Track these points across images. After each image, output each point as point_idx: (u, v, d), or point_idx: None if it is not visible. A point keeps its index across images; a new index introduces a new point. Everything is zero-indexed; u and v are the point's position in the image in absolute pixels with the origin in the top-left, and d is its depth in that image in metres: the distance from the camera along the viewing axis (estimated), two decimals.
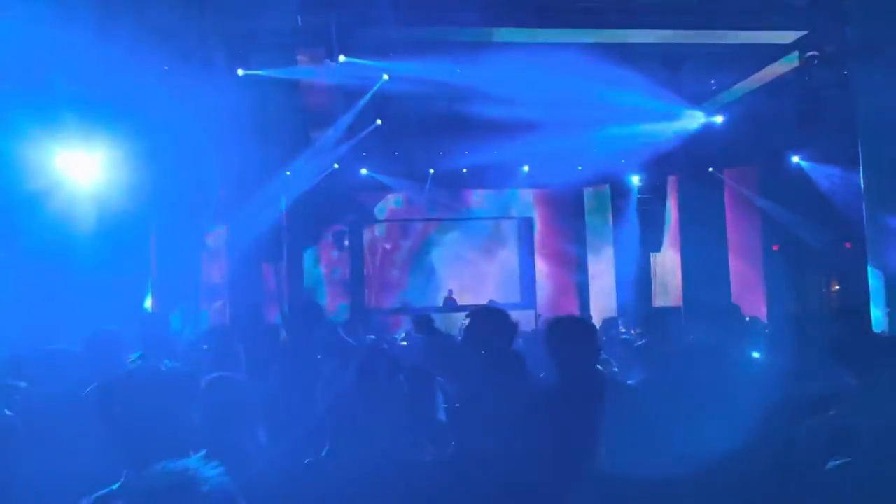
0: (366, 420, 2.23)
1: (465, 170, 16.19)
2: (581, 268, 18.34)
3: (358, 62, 9.69)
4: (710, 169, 16.36)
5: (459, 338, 4.77)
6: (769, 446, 2.59)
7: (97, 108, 9.52)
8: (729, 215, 17.46)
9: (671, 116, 13.31)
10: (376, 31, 9.21)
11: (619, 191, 17.97)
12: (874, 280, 10.31)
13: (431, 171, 16.51)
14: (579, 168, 16.15)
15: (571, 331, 3.41)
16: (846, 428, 2.33)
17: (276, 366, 4.16)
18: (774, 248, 17.43)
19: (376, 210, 18.25)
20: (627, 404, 3.22)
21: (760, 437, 2.54)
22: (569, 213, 18.53)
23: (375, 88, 11.08)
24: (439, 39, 9.99)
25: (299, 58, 9.70)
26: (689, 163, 15.61)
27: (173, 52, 9.84)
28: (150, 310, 8.57)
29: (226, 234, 14.14)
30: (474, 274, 18.17)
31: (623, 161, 16.20)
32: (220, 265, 14.25)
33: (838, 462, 2.00)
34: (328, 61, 8.93)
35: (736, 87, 12.00)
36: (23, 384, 3.63)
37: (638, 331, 11.77)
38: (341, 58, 8.85)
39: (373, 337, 8.35)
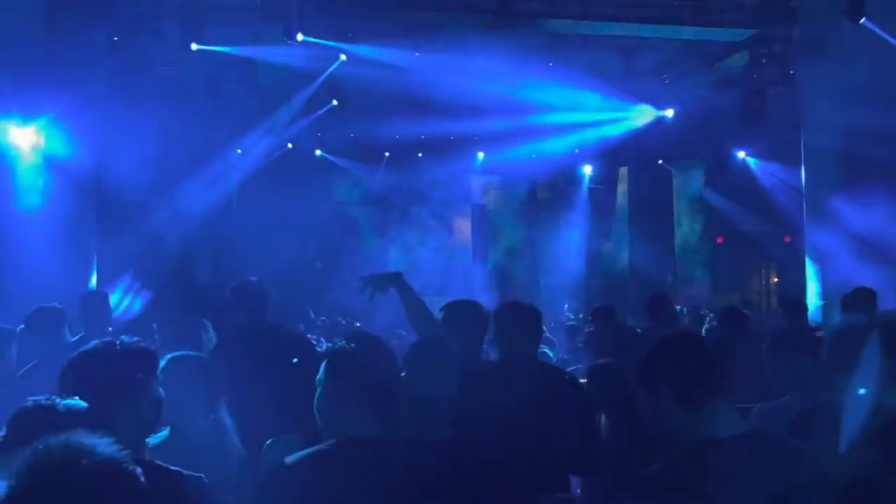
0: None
1: (420, 154, 16.17)
2: (533, 256, 18.54)
3: (316, 41, 9.57)
4: (660, 161, 16.71)
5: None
6: None
7: (39, 78, 9.22)
8: (675, 206, 17.91)
9: (623, 110, 13.54)
10: (336, 11, 9.14)
11: (570, 180, 18.21)
12: (811, 273, 10.74)
13: (386, 154, 16.44)
14: (533, 156, 16.30)
15: (514, 316, 3.42)
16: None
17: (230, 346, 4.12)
18: (718, 240, 17.96)
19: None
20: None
21: None
22: (522, 200, 18.69)
23: (332, 69, 10.96)
24: (398, 24, 9.97)
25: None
26: (639, 155, 15.92)
27: (123, 23, 9.56)
28: (92, 288, 8.36)
29: (173, 210, 13.87)
30: (427, 261, 18.19)
31: (576, 150, 16.41)
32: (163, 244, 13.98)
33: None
34: (286, 39, 8.80)
35: (686, 82, 12.26)
36: None
37: (583, 317, 12.04)
38: (299, 36, 8.73)
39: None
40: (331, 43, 9.79)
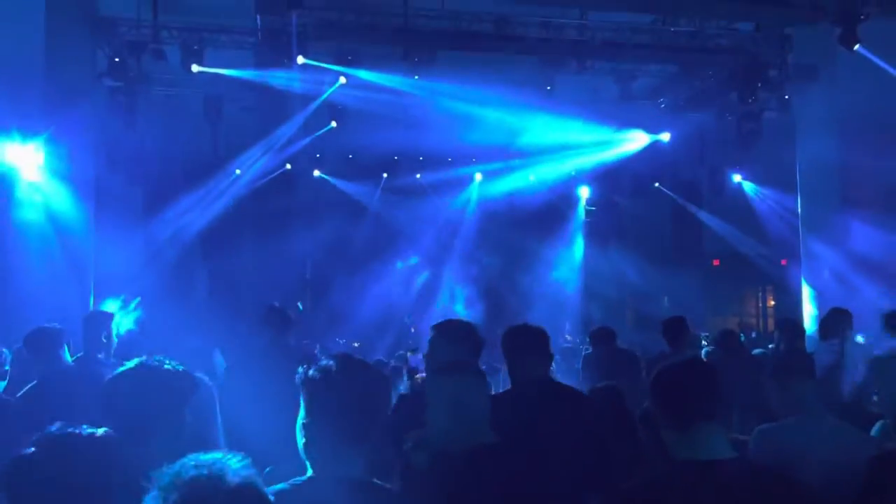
0: None
1: (418, 175, 16.24)
2: (529, 277, 18.54)
3: (316, 64, 9.68)
4: (657, 184, 16.79)
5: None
6: None
7: (39, 97, 9.30)
8: (673, 229, 17.98)
9: (619, 134, 13.67)
10: (335, 36, 9.25)
11: (566, 202, 18.26)
12: (808, 296, 10.77)
13: (385, 175, 16.50)
14: (531, 178, 16.39)
15: (523, 338, 3.43)
16: None
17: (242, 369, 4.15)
18: (714, 262, 18.01)
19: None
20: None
21: None
22: (518, 221, 18.70)
23: (331, 91, 11.06)
24: (397, 48, 10.08)
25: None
26: (635, 178, 16.00)
27: (123, 44, 9.66)
28: (93, 308, 8.35)
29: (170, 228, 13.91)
30: (421, 281, 18.18)
31: (573, 173, 16.50)
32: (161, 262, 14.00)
33: None
34: (286, 62, 8.89)
35: (683, 107, 12.39)
36: None
37: (579, 340, 12.05)
38: (300, 59, 8.82)
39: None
40: (330, 66, 9.89)
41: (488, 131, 12.27)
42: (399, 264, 17.58)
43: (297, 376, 1.91)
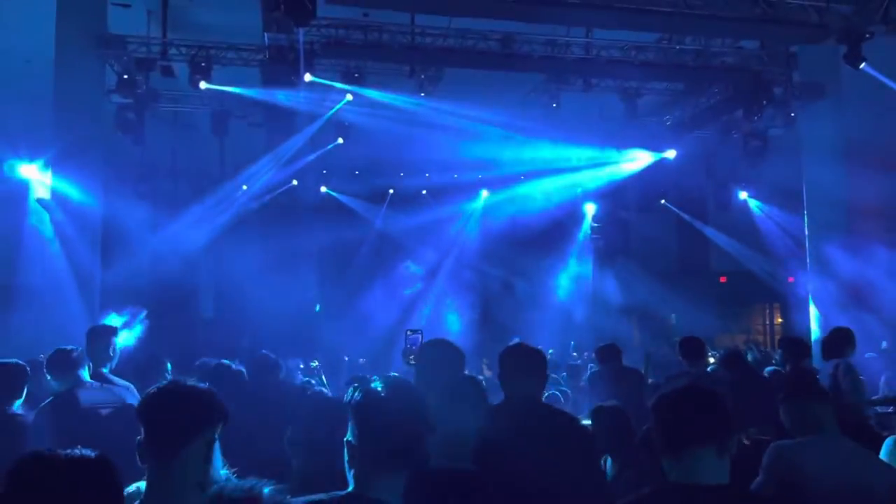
0: None
1: (424, 192, 16.29)
2: (534, 294, 18.51)
3: (323, 82, 9.75)
4: (663, 201, 16.78)
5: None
6: None
7: (48, 116, 9.39)
8: (679, 245, 17.95)
9: (625, 151, 13.71)
10: (342, 53, 9.32)
11: (572, 219, 18.26)
12: (814, 316, 10.71)
13: (391, 191, 16.56)
14: (536, 195, 16.42)
15: (519, 358, 3.42)
16: None
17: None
18: (721, 279, 17.96)
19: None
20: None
21: None
22: (524, 238, 18.70)
23: (338, 107, 11.13)
24: (403, 66, 10.16)
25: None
26: (641, 195, 16.02)
27: (132, 62, 9.75)
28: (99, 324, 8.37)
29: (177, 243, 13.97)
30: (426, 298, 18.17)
31: (579, 190, 16.52)
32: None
33: None
34: (293, 79, 8.96)
35: (688, 124, 12.39)
36: None
37: (586, 356, 12.00)
38: (307, 77, 8.88)
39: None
40: (337, 84, 9.97)
41: (494, 149, 12.32)
42: (411, 266, 17.56)
43: (346, 396, 1.98)
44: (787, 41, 10.06)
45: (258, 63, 9.41)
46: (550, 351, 12.05)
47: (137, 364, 5.25)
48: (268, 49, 8.57)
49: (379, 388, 1.95)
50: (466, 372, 3.64)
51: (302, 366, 8.89)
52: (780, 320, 18.42)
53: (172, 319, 12.46)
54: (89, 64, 9.27)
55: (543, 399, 3.75)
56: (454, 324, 16.00)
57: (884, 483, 2.88)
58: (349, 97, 10.48)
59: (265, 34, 8.41)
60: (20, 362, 4.29)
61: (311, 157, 13.75)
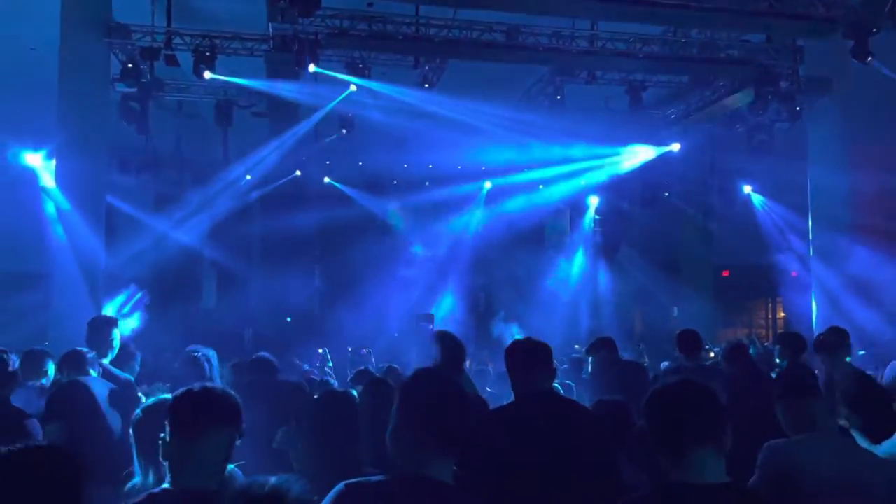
0: None
1: (427, 183, 16.27)
2: (537, 286, 18.51)
3: (328, 73, 9.73)
4: (666, 194, 16.74)
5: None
6: None
7: (52, 104, 9.40)
8: (682, 239, 17.91)
9: (628, 144, 13.68)
10: (347, 44, 9.29)
11: (576, 211, 18.25)
12: (818, 309, 10.71)
13: (395, 182, 16.55)
14: (540, 187, 16.39)
15: (526, 352, 3.43)
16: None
17: None
18: (724, 273, 17.94)
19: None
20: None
21: None
22: (527, 230, 18.69)
23: (342, 98, 11.11)
24: (408, 57, 10.13)
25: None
26: (645, 187, 15.97)
27: (137, 51, 9.74)
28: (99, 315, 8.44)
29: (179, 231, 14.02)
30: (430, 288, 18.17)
31: (582, 182, 16.49)
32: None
33: None
34: (297, 70, 8.94)
35: (693, 117, 12.35)
36: None
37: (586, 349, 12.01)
38: (311, 68, 8.87)
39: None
40: (341, 76, 9.95)
41: (497, 141, 12.30)
42: (417, 249, 17.57)
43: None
44: (794, 35, 10.01)
45: (263, 53, 9.39)
46: (552, 345, 12.07)
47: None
48: (272, 39, 8.56)
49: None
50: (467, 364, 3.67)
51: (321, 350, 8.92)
52: (782, 314, 18.41)
53: (174, 308, 12.53)
54: (94, 52, 9.27)
55: None
56: (455, 314, 16.01)
57: (880, 479, 2.88)
58: (353, 87, 10.46)
59: (270, 24, 8.40)
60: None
61: (315, 147, 13.75)
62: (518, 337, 4.07)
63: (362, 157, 14.81)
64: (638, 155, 13.95)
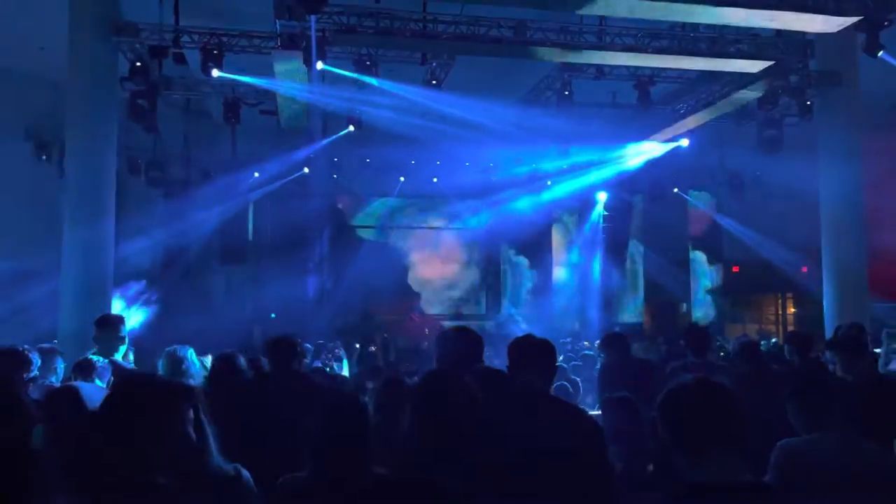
0: None
1: (435, 179, 16.27)
2: (546, 281, 18.49)
3: (335, 71, 9.72)
4: (676, 189, 16.68)
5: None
6: None
7: (60, 103, 9.44)
8: (691, 234, 17.84)
9: (638, 141, 13.62)
10: (355, 42, 9.28)
11: (584, 206, 18.21)
12: (828, 305, 10.63)
13: (402, 179, 16.55)
14: (549, 182, 16.36)
15: (527, 350, 3.40)
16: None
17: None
18: (734, 269, 17.86)
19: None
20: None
21: None
22: (536, 225, 18.66)
23: (350, 95, 11.12)
24: (415, 53, 10.12)
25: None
26: (654, 183, 15.92)
27: (145, 50, 9.76)
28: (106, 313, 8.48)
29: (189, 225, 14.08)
30: (437, 284, 18.19)
31: (591, 178, 16.46)
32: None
33: None
34: (305, 67, 8.93)
35: (703, 112, 12.26)
36: None
37: (597, 344, 11.99)
38: (319, 65, 8.86)
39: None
40: (349, 74, 9.94)
41: (505, 135, 12.26)
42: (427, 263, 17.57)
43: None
44: (804, 29, 9.91)
45: (270, 51, 9.38)
46: (563, 340, 12.07)
47: None
48: (279, 37, 8.53)
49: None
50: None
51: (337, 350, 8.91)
52: (793, 310, 18.31)
53: (183, 305, 12.59)
54: (102, 51, 9.28)
55: (552, 390, 3.73)
56: (463, 312, 16.03)
57: (888, 473, 2.86)
58: (361, 85, 10.45)
59: (277, 21, 8.38)
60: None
61: (323, 143, 13.78)
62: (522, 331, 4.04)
63: (369, 154, 14.81)
64: (646, 150, 13.91)
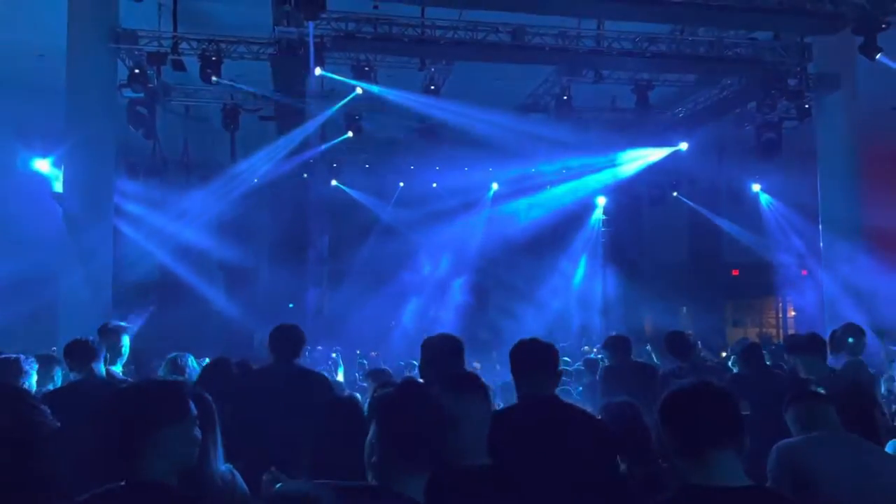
0: None
1: (434, 184, 16.25)
2: (544, 285, 18.46)
3: (334, 77, 9.74)
4: (675, 193, 16.68)
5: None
6: None
7: (60, 110, 9.44)
8: (691, 238, 17.83)
9: (637, 146, 13.64)
10: (353, 47, 9.29)
11: (583, 211, 18.18)
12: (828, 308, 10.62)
13: (401, 184, 16.54)
14: (548, 187, 16.35)
15: (530, 354, 3.39)
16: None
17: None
18: (734, 272, 17.85)
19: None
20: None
21: None
22: (535, 229, 18.61)
23: (347, 100, 11.13)
24: (414, 59, 10.13)
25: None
26: (653, 187, 15.93)
27: (144, 57, 9.78)
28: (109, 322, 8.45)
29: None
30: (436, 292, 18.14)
31: (590, 183, 16.46)
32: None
33: None
34: (303, 73, 8.95)
35: (701, 115, 12.29)
36: None
37: (598, 349, 11.96)
38: (317, 71, 8.87)
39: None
40: (347, 80, 9.96)
41: (504, 145, 12.27)
42: (425, 267, 17.57)
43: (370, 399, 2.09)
44: (802, 32, 9.94)
45: (268, 57, 9.40)
46: (562, 345, 12.04)
47: None
48: (278, 43, 8.55)
49: (396, 391, 2.04)
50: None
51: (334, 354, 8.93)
52: (793, 313, 18.29)
53: (183, 310, 12.58)
54: (101, 58, 9.30)
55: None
56: (460, 317, 15.98)
57: (892, 476, 2.86)
58: (359, 90, 10.46)
59: (275, 28, 8.40)
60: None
61: (321, 148, 13.78)
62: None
63: (368, 160, 14.81)
64: (646, 155, 13.92)
